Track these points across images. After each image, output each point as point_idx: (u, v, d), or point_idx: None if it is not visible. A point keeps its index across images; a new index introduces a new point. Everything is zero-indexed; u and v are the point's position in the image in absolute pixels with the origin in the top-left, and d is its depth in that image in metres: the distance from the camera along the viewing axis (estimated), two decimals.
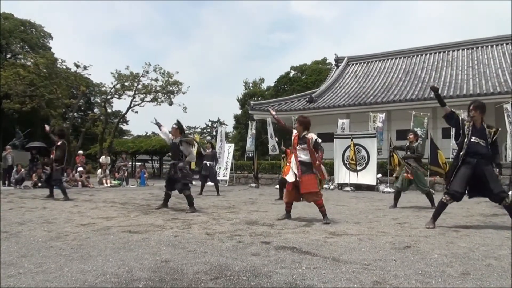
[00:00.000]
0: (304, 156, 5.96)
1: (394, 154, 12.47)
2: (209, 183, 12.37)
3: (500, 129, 5.35)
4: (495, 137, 5.32)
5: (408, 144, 8.57)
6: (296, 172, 5.95)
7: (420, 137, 15.88)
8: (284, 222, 5.75)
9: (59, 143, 9.74)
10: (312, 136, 5.97)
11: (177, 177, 7.39)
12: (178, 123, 7.67)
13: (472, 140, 5.21)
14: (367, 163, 15.14)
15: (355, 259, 3.45)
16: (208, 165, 12.17)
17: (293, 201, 6.23)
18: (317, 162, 5.89)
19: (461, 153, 5.28)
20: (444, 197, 5.37)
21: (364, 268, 3.15)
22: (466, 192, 5.36)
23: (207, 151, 12.48)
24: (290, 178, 6.00)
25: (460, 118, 5.49)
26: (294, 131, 6.19)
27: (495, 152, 5.41)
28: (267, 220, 6.02)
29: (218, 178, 14.30)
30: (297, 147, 6.05)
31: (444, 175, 11.66)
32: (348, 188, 14.72)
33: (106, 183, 16.57)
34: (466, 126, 5.30)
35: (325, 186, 16.03)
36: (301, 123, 6.10)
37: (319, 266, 3.20)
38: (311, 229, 5.11)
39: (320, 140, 5.97)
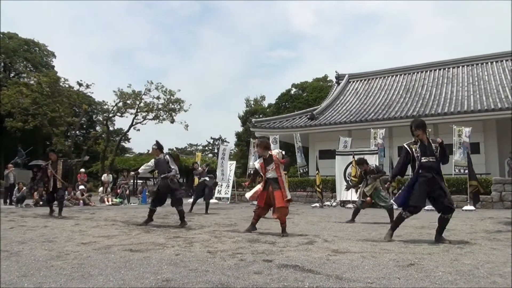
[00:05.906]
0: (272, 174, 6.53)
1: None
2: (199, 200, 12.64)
3: (443, 140, 5.53)
4: (441, 149, 5.45)
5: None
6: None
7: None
8: (286, 240, 5.71)
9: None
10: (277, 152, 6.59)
11: (171, 188, 7.77)
12: (157, 143, 8.19)
13: (422, 160, 5.39)
14: None
15: (358, 277, 3.41)
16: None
17: (261, 216, 6.94)
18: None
19: (415, 171, 5.45)
20: (403, 212, 5.58)
21: (367, 286, 3.11)
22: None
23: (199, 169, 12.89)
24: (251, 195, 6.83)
25: (407, 148, 5.58)
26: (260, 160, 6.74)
27: (443, 159, 5.55)
28: (269, 237, 5.98)
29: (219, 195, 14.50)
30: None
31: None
32: (350, 205, 14.63)
33: (108, 201, 16.52)
34: (414, 149, 5.47)
35: (327, 203, 15.97)
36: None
37: (322, 284, 3.16)
38: (314, 247, 5.07)
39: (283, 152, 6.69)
